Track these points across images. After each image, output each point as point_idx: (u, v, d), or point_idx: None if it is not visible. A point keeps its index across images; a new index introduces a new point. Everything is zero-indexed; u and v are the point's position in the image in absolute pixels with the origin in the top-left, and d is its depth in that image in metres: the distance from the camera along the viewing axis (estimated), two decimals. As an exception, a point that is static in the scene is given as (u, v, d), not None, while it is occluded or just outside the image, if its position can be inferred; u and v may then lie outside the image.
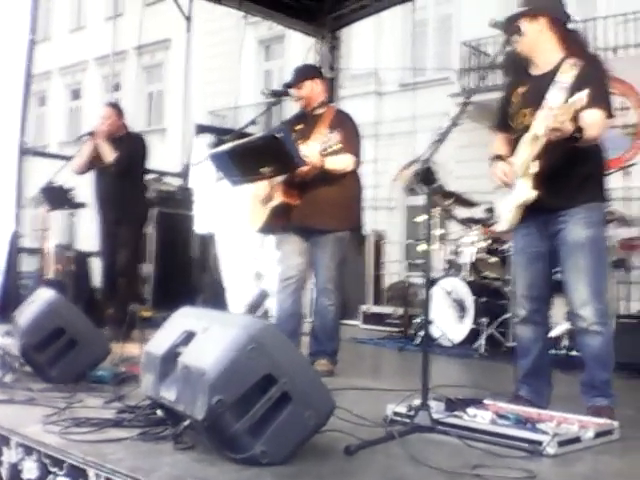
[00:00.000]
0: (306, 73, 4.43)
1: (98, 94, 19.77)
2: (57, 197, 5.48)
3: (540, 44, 3.14)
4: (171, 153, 12.59)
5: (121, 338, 4.52)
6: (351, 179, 4.27)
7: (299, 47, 10.92)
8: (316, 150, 3.99)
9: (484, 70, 11.33)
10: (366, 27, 13.03)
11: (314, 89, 4.35)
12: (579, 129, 2.86)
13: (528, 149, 3.07)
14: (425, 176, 2.84)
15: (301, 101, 4.36)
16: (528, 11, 3.11)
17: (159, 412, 2.59)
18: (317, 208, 4.16)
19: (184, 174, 7.65)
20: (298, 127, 4.31)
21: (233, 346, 2.20)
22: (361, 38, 14.19)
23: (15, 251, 6.22)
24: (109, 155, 5.46)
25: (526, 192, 3.10)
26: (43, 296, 3.52)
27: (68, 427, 2.49)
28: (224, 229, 7.95)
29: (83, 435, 2.41)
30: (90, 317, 5.74)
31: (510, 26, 3.15)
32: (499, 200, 3.36)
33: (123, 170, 5.45)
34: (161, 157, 10.43)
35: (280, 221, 4.26)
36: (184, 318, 2.62)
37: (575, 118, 2.83)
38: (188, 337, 2.43)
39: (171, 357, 2.41)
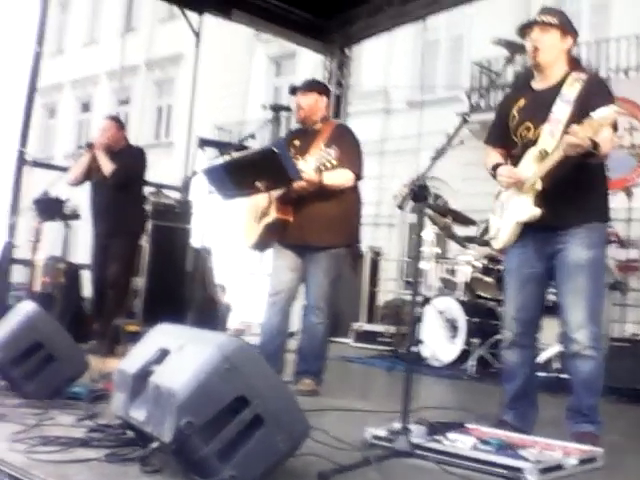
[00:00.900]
0: (316, 86, 4.40)
1: (108, 107, 19.88)
2: (50, 208, 5.45)
3: (555, 56, 3.10)
4: (177, 167, 12.63)
5: (103, 353, 4.44)
6: (349, 194, 4.19)
7: (310, 64, 10.96)
8: (311, 167, 3.91)
9: (493, 89, 11.30)
10: (377, 45, 13.03)
11: (318, 103, 4.28)
12: (595, 145, 2.80)
13: (535, 165, 3.01)
14: (417, 193, 2.78)
15: (301, 111, 4.25)
16: (550, 23, 3.07)
17: (129, 432, 2.53)
18: (313, 224, 4.07)
19: (184, 187, 7.62)
20: (296, 142, 4.26)
21: (206, 366, 2.12)
22: (372, 56, 14.20)
23: (7, 262, 6.18)
24: (107, 167, 5.44)
25: (529, 209, 3.03)
26: (23, 309, 3.46)
27: (35, 446, 2.42)
28: (221, 243, 7.90)
29: (49, 454, 2.33)
30: (77, 331, 5.76)
31: (514, 44, 3.10)
32: (494, 217, 3.29)
33: (120, 183, 5.43)
34: (167, 171, 10.45)
35: (274, 237, 4.19)
36: (160, 335, 2.56)
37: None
38: (162, 355, 2.37)
39: (143, 376, 2.34)
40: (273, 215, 4.10)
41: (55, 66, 21.77)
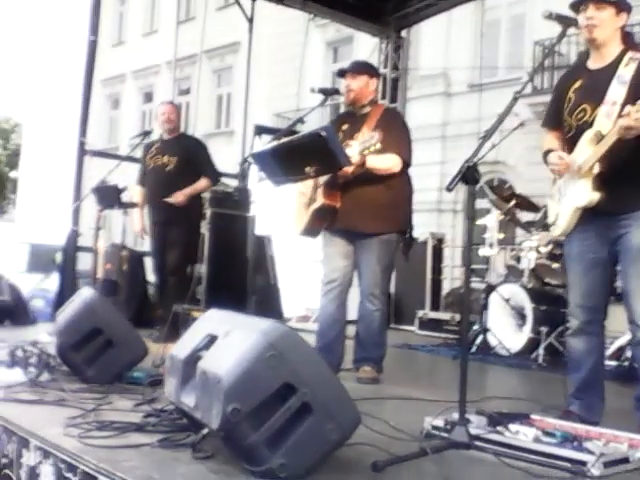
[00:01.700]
0: (366, 68, 4.32)
1: (169, 97, 20.12)
2: (108, 196, 5.52)
3: (610, 34, 2.98)
4: (237, 155, 12.69)
5: (163, 338, 4.48)
6: (398, 180, 4.10)
7: (367, 48, 10.81)
8: (356, 150, 3.83)
9: (557, 69, 10.96)
10: (436, 27, 12.83)
11: (368, 85, 4.20)
12: None
13: (591, 148, 2.90)
14: (467, 175, 2.68)
15: (350, 93, 4.18)
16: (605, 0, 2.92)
17: (184, 417, 2.52)
18: (361, 210, 4.01)
19: (241, 175, 7.63)
20: (344, 127, 4.18)
21: (251, 352, 2.09)
22: (431, 38, 13.99)
23: (72, 250, 6.31)
24: (204, 187, 5.68)
25: (588, 194, 2.93)
26: (82, 295, 3.51)
27: (89, 430, 2.44)
28: (282, 231, 7.89)
29: (102, 440, 2.35)
30: (142, 316, 5.85)
31: (567, 19, 2.97)
32: (553, 203, 3.18)
33: (180, 170, 5.46)
34: (228, 159, 10.51)
35: (322, 224, 4.14)
36: (209, 321, 2.55)
37: None
38: (210, 341, 2.35)
39: (192, 361, 2.33)
40: (320, 201, 4.05)
41: (116, 57, 22.19)
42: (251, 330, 2.20)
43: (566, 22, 2.98)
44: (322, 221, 4.13)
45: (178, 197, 5.41)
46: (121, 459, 2.16)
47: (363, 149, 3.82)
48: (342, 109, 14.34)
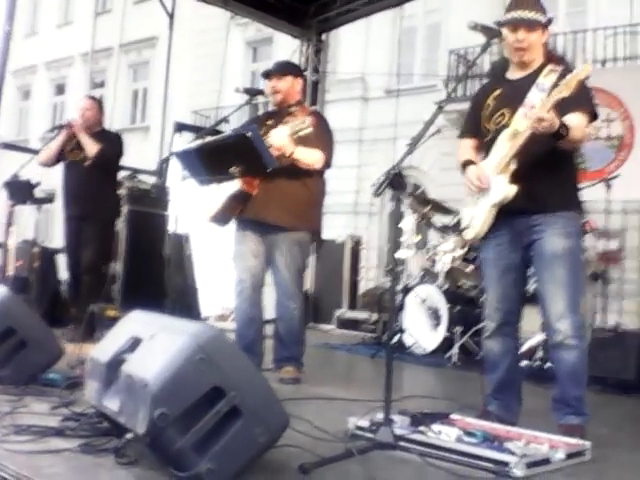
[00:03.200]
0: (291, 68, 4.32)
1: (82, 90, 19.53)
2: (21, 192, 5.31)
3: (538, 52, 3.08)
4: (152, 151, 12.44)
5: (80, 338, 4.34)
6: (315, 181, 4.12)
7: (287, 49, 10.81)
8: (285, 133, 3.81)
9: (470, 77, 11.26)
10: (355, 32, 12.95)
11: (294, 86, 4.21)
12: (565, 126, 2.78)
13: (508, 144, 2.98)
14: (394, 181, 2.72)
15: (277, 95, 4.16)
16: (537, 21, 3.00)
17: (105, 422, 2.45)
18: (276, 203, 3.98)
19: (160, 172, 7.49)
20: (269, 122, 4.17)
21: (180, 356, 2.05)
22: (349, 43, 14.11)
23: (-20, 245, 6.04)
24: (92, 147, 5.30)
25: (505, 188, 2.98)
26: (-5, 294, 3.35)
27: (7, 435, 2.33)
28: (200, 229, 7.79)
29: (21, 444, 2.25)
30: (55, 315, 5.65)
31: (490, 30, 3.04)
32: (467, 207, 3.24)
33: (101, 164, 5.30)
34: (143, 155, 10.30)
35: (234, 211, 4.07)
36: (132, 323, 2.48)
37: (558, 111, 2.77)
38: (135, 344, 2.29)
39: (116, 364, 2.26)
40: (237, 186, 3.96)
41: (29, 47, 21.39)
42: (179, 333, 2.16)
43: (490, 33, 3.06)
44: (235, 208, 4.05)
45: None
46: (42, 465, 2.08)
47: (294, 132, 3.81)
48: (261, 109, 14.30)
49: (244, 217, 4.10)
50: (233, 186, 3.97)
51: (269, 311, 4.29)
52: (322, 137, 4.04)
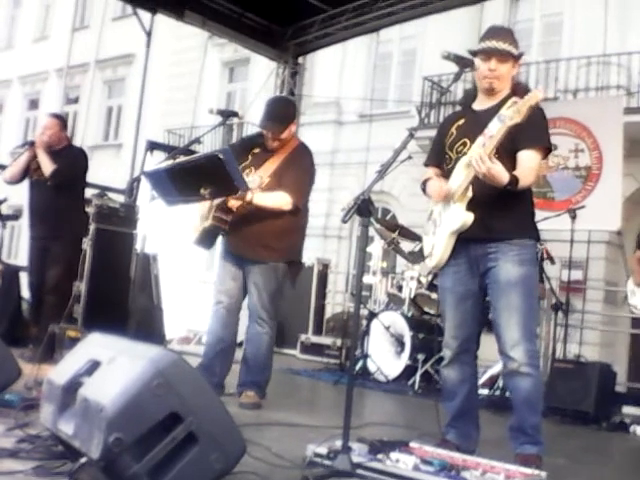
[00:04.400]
0: (289, 117, 4.21)
1: (56, 105, 19.43)
2: (-14, 209, 5.25)
3: (507, 83, 3.15)
4: (125, 169, 12.38)
5: (37, 359, 4.28)
6: (291, 213, 4.09)
7: (263, 71, 10.91)
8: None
9: (442, 105, 11.40)
10: (331, 56, 13.11)
11: (291, 131, 4.21)
12: (515, 180, 2.86)
13: (464, 172, 3.03)
14: (361, 207, 2.75)
15: (276, 142, 4.14)
16: (509, 53, 3.07)
17: (60, 445, 2.42)
18: (249, 239, 4.05)
19: (129, 191, 7.45)
20: (256, 150, 4.19)
21: (137, 380, 2.03)
22: (325, 67, 14.26)
23: (-58, 262, 5.94)
24: (48, 166, 5.24)
25: (461, 216, 3.03)
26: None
27: (-42, 457, 2.30)
28: (169, 250, 7.76)
29: (-28, 467, 2.22)
30: (14, 335, 5.57)
31: (463, 60, 3.10)
32: (428, 237, 3.28)
33: (60, 183, 5.25)
34: (115, 173, 10.26)
35: (212, 240, 4.19)
36: (92, 346, 2.46)
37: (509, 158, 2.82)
38: (92, 367, 2.26)
39: (72, 388, 2.23)
40: (209, 222, 4.06)
41: (4, 61, 21.26)
42: (138, 357, 2.14)
43: (463, 62, 3.11)
44: (212, 239, 4.16)
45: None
46: (-8, 488, 2.05)
47: (252, 187, 3.87)
48: (235, 131, 14.28)
49: (226, 250, 4.20)
50: (207, 221, 4.06)
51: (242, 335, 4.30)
52: (296, 179, 4.05)
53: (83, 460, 2.12)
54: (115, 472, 2.03)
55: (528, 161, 2.97)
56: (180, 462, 2.04)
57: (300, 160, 4.16)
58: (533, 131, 2.94)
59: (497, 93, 3.15)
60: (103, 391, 2.07)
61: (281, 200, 4.00)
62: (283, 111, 4.23)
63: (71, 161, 5.41)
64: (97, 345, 2.43)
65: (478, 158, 2.83)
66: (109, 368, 2.19)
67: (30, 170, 5.41)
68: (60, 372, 2.39)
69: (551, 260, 5.67)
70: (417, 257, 6.28)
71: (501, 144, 2.90)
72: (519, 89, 3.19)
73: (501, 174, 2.84)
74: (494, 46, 3.06)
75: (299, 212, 4.14)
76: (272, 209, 4.00)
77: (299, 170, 4.10)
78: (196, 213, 4.25)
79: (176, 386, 2.06)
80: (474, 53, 3.12)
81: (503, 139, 2.87)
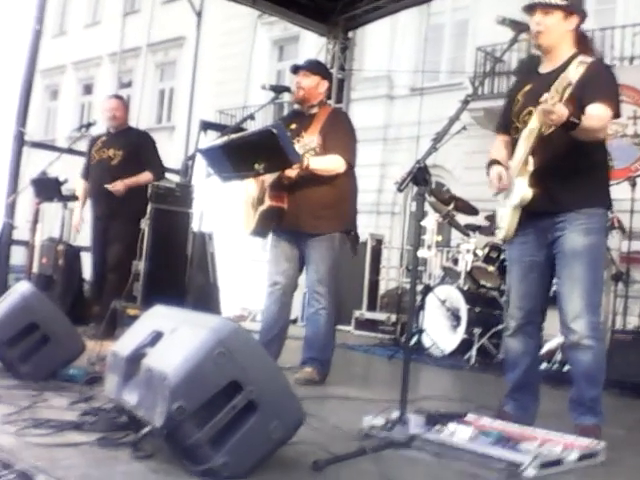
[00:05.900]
0: (320, 69, 4.34)
1: (110, 90, 19.76)
2: (48, 189, 5.38)
3: (558, 38, 3.00)
4: (178, 150, 12.54)
5: (100, 336, 4.40)
6: (343, 180, 4.12)
7: (313, 48, 10.84)
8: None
9: (497, 75, 11.18)
10: (381, 30, 12.94)
11: (318, 87, 4.21)
12: (577, 115, 2.70)
13: (524, 145, 2.94)
14: (417, 175, 2.73)
15: (300, 90, 4.17)
16: (551, 4, 2.95)
17: (123, 416, 2.49)
18: (305, 211, 4.04)
19: (184, 171, 7.56)
20: (292, 126, 4.19)
21: (199, 350, 2.08)
22: (375, 41, 14.09)
23: (6, 243, 6.13)
24: (147, 181, 5.58)
25: (522, 191, 2.95)
26: (19, 290, 3.41)
27: (25, 428, 2.38)
28: (224, 228, 7.84)
29: (39, 437, 2.29)
30: (77, 313, 5.73)
31: (519, 24, 3.02)
32: (499, 207, 3.22)
33: (126, 164, 5.40)
34: (168, 154, 10.36)
35: (271, 224, 4.16)
36: (154, 318, 2.52)
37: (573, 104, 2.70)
38: (155, 338, 2.32)
39: (136, 358, 2.30)
40: (267, 203, 4.06)
41: (57, 47, 21.66)
42: (200, 327, 2.19)
43: (518, 28, 3.02)
44: (270, 222, 4.14)
45: (117, 185, 5.31)
46: (59, 457, 2.12)
47: (303, 153, 3.87)
48: (286, 108, 14.33)
49: (281, 230, 4.19)
50: (264, 204, 4.06)
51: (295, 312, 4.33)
52: (342, 139, 4.06)
53: (145, 430, 2.18)
54: (177, 440, 2.08)
55: (593, 109, 2.78)
56: (240, 430, 2.08)
57: (338, 121, 4.17)
58: (602, 87, 2.81)
59: (551, 50, 3.02)
60: (166, 361, 2.12)
61: (335, 161, 4.02)
62: (315, 62, 4.41)
63: (153, 152, 5.67)
64: (159, 316, 2.49)
65: (540, 110, 2.71)
66: (171, 338, 2.24)
67: (91, 154, 5.55)
68: (124, 344, 2.46)
69: (622, 229, 5.53)
70: (477, 230, 6.18)
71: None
72: (584, 45, 3.04)
73: (561, 109, 2.67)
74: (537, 0, 2.96)
75: (351, 176, 4.15)
76: (328, 172, 4.01)
77: (341, 131, 4.11)
78: (244, 204, 4.26)
79: (237, 355, 2.10)
80: (526, 9, 3.01)
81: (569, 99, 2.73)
